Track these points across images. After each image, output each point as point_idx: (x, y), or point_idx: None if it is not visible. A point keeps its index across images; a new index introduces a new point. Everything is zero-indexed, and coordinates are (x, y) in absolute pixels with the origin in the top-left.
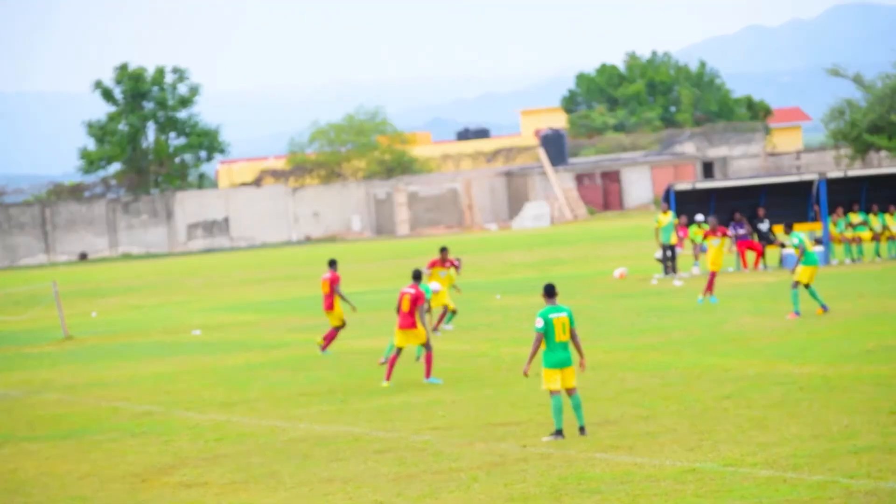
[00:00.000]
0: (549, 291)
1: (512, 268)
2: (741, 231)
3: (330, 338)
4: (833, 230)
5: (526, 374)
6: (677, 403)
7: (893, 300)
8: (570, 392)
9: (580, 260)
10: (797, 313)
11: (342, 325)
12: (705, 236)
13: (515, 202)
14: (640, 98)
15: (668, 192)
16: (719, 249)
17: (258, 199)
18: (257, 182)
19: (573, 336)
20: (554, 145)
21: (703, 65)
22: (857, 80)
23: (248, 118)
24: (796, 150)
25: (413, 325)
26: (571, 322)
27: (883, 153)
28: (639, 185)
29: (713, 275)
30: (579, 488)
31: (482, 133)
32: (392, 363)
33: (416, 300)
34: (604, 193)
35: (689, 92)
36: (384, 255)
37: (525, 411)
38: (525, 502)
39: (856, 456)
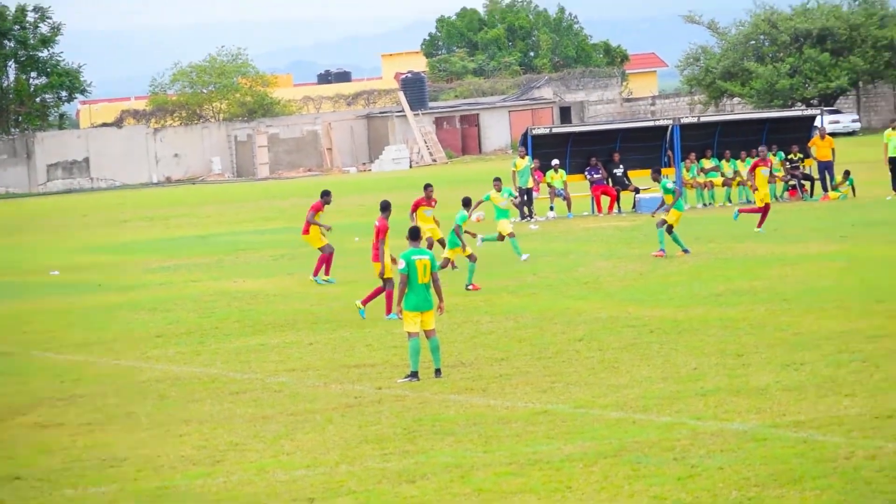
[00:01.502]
0: (414, 234)
1: (371, 210)
2: (596, 175)
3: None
4: (686, 175)
5: (399, 315)
6: (531, 346)
7: (743, 244)
8: (428, 334)
9: (438, 203)
10: (663, 251)
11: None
12: (754, 166)
13: (375, 145)
14: (499, 43)
15: (525, 137)
16: (765, 181)
17: (119, 140)
18: (118, 123)
19: (434, 279)
20: (414, 89)
21: (561, 10)
22: (712, 27)
23: (110, 58)
24: (652, 96)
25: (375, 258)
26: (433, 266)
27: (736, 99)
28: (497, 130)
29: (767, 207)
30: (433, 429)
31: (343, 76)
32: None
33: (379, 232)
34: (462, 137)
35: (547, 37)
36: (245, 197)
37: (381, 353)
38: (379, 443)
39: (703, 398)
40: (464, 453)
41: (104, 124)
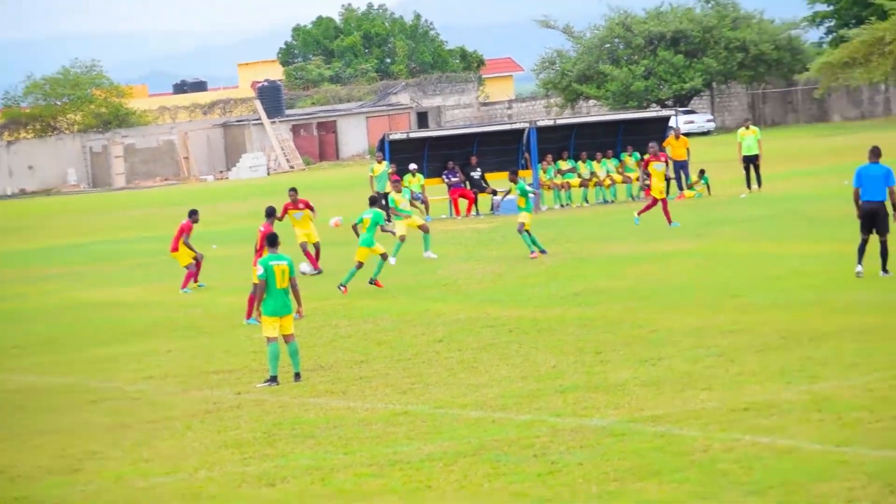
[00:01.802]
0: (272, 241)
1: (228, 218)
2: (454, 179)
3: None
4: (543, 177)
5: (258, 320)
6: (390, 348)
7: (600, 244)
8: (287, 339)
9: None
10: (541, 251)
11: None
12: (647, 162)
13: (232, 154)
14: (355, 50)
15: (382, 142)
16: (662, 176)
17: None
18: None
19: (293, 285)
20: (270, 97)
21: (417, 17)
22: (567, 30)
23: None
24: (508, 100)
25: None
26: (291, 271)
27: (591, 102)
28: (354, 136)
29: (665, 202)
30: (293, 433)
31: (199, 86)
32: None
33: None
34: (320, 144)
35: (403, 44)
36: (101, 208)
37: (239, 359)
38: (239, 448)
39: (562, 395)
40: (324, 456)
41: None
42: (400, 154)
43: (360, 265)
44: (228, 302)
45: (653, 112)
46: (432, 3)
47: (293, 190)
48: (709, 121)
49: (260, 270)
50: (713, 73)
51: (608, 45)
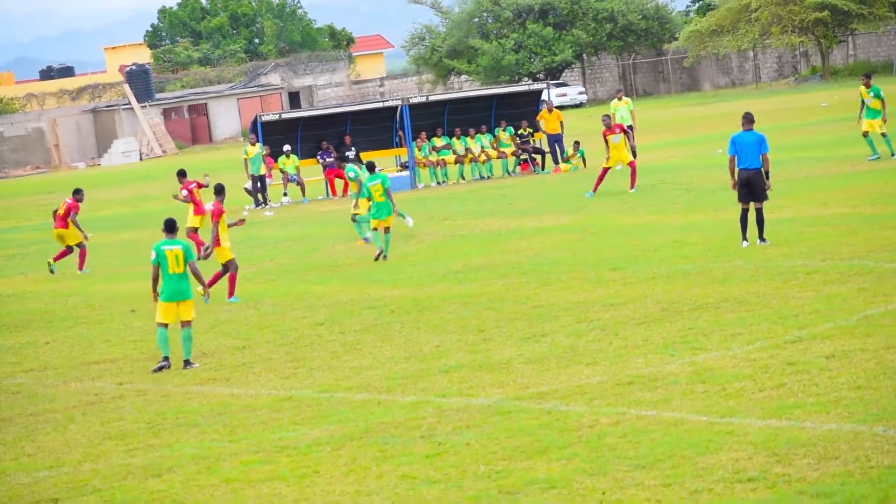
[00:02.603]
0: (169, 227)
1: (102, 205)
2: (329, 159)
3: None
4: (418, 154)
5: (155, 300)
6: (272, 333)
7: (478, 220)
8: (183, 325)
9: (170, 194)
10: (367, 240)
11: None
12: (604, 135)
13: (104, 140)
14: (223, 31)
15: (255, 124)
16: (619, 146)
17: None
18: None
19: (192, 269)
20: (139, 81)
21: None
22: (436, 6)
23: None
24: (380, 77)
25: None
26: (187, 255)
27: (463, 77)
28: (226, 118)
29: (605, 171)
30: (177, 422)
31: (67, 71)
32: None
33: (214, 216)
34: (192, 127)
35: (272, 23)
36: None
37: (120, 348)
38: (123, 439)
39: (447, 374)
40: (209, 444)
41: None
42: (273, 135)
43: (387, 230)
44: (106, 290)
45: (525, 86)
46: None
47: (181, 172)
48: (581, 93)
49: (152, 256)
50: (583, 44)
51: (477, 20)
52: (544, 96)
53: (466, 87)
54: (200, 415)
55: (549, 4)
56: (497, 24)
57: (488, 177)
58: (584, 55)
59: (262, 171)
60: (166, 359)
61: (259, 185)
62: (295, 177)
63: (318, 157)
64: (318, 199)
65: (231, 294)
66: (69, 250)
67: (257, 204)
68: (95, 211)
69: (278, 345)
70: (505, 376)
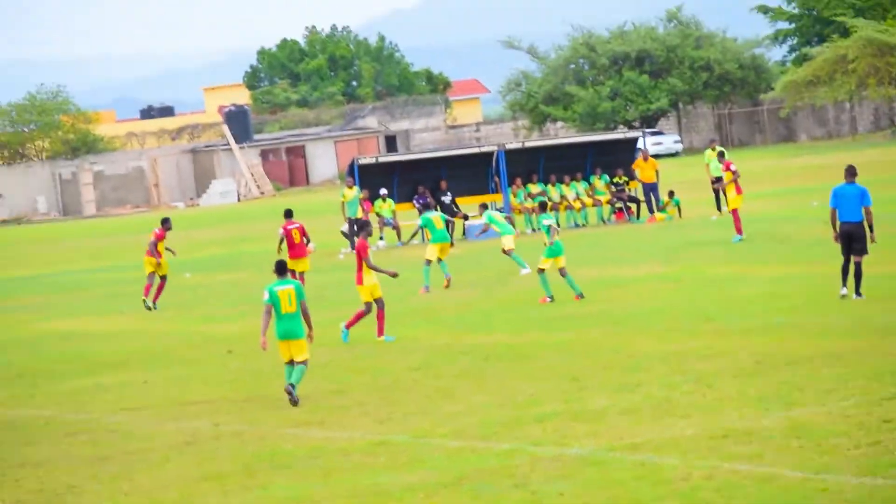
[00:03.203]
0: (280, 268)
1: (200, 245)
2: (424, 204)
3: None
4: (513, 200)
5: (263, 348)
6: (367, 376)
7: (572, 269)
8: (295, 363)
9: (268, 236)
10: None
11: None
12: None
13: (202, 179)
14: (321, 73)
15: (352, 167)
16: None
17: None
18: None
19: (303, 309)
20: (238, 122)
21: (382, 39)
22: (532, 52)
23: None
24: (476, 122)
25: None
26: (299, 295)
27: (559, 123)
28: (323, 160)
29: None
30: (272, 464)
31: (167, 111)
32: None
33: (359, 252)
34: (289, 169)
35: (369, 66)
36: (72, 236)
37: (216, 389)
38: (218, 480)
39: (540, 423)
40: (304, 487)
41: None
42: (370, 178)
43: (440, 260)
44: (203, 330)
45: (620, 133)
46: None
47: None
48: (676, 141)
49: (265, 296)
50: (679, 93)
51: (573, 66)
52: (640, 144)
53: (562, 134)
54: (295, 457)
55: (646, 52)
56: (593, 70)
57: (583, 224)
58: (680, 104)
59: (359, 214)
60: (291, 385)
61: (356, 228)
62: (391, 220)
63: (414, 202)
64: (413, 244)
65: (381, 332)
66: (162, 282)
67: (353, 247)
68: (193, 251)
69: (373, 389)
70: (599, 426)
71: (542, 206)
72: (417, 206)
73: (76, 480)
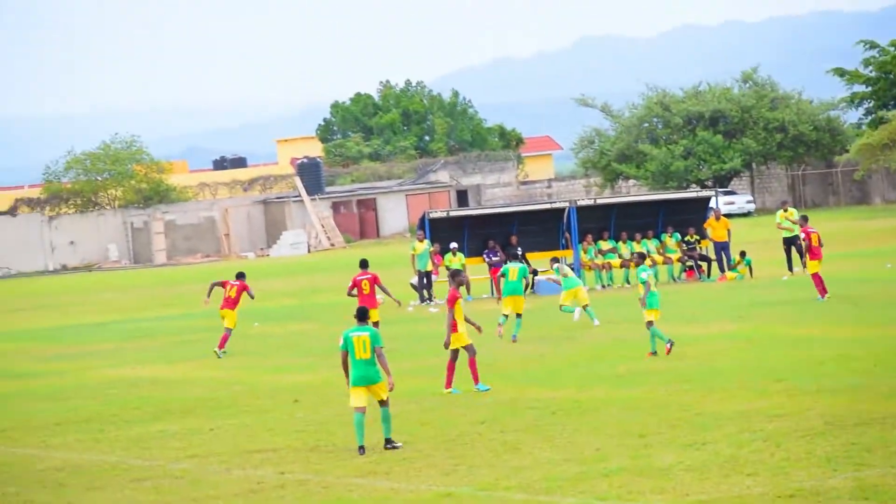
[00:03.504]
0: (360, 315)
1: (270, 296)
2: (495, 258)
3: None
4: (584, 257)
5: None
6: (433, 429)
7: (641, 325)
8: (381, 404)
9: (338, 287)
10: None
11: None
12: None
13: (273, 230)
14: (394, 127)
15: (423, 220)
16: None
17: (13, 228)
18: (12, 211)
19: (378, 355)
20: (310, 174)
21: (455, 94)
22: (605, 109)
23: (2, 146)
24: (548, 179)
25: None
26: (374, 341)
27: (631, 181)
28: (394, 214)
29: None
30: None
31: (239, 162)
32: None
33: (450, 302)
34: (360, 221)
35: (442, 121)
36: (142, 284)
37: (283, 438)
38: None
39: (606, 478)
40: None
41: None
42: (440, 232)
43: (518, 315)
44: (270, 380)
45: (693, 192)
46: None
47: (364, 262)
48: (749, 202)
49: (340, 342)
50: (752, 153)
51: (647, 125)
52: (712, 203)
53: (634, 192)
54: None
55: (720, 112)
56: (667, 129)
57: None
58: (754, 164)
59: (429, 267)
60: (361, 448)
61: (425, 281)
62: None
63: (485, 256)
64: (482, 298)
65: (476, 380)
66: (227, 332)
67: (422, 300)
68: (264, 301)
69: (439, 441)
70: (665, 483)
71: (641, 258)
72: (487, 260)
73: None
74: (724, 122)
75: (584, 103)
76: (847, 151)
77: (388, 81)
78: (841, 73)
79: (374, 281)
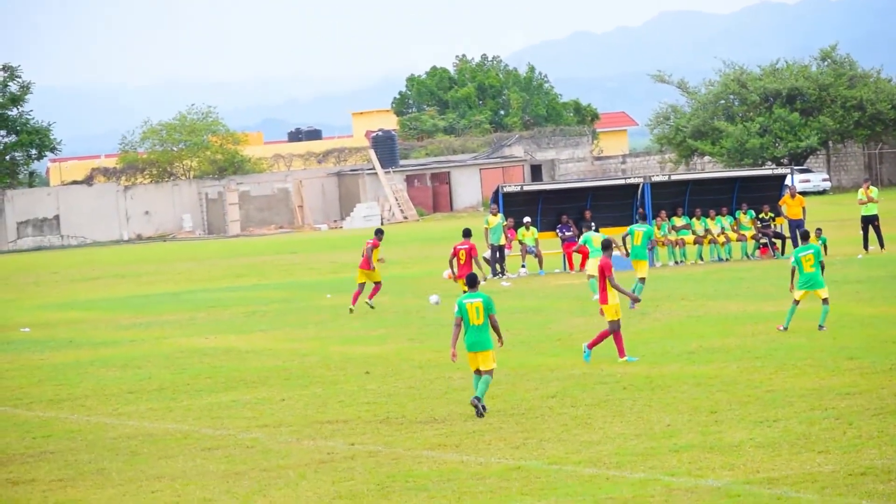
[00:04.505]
0: (471, 281)
1: (342, 267)
2: (568, 233)
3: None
4: (657, 233)
5: (453, 359)
6: (503, 402)
7: (714, 302)
8: (484, 373)
9: (410, 260)
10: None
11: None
12: None
13: (346, 203)
14: (469, 101)
15: (496, 194)
16: None
17: (89, 198)
18: (88, 180)
19: (492, 321)
20: (385, 147)
21: (531, 69)
22: (682, 86)
23: (80, 116)
24: (622, 154)
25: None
26: (487, 308)
27: (706, 158)
28: (468, 187)
29: None
30: (406, 486)
31: (314, 134)
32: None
33: (603, 271)
34: (434, 195)
35: (518, 96)
36: (216, 254)
37: (353, 409)
38: (352, 500)
39: (676, 454)
40: None
41: (74, 182)
42: (514, 207)
43: (641, 280)
44: (342, 351)
45: (768, 170)
46: (546, 55)
47: (467, 231)
48: (825, 180)
49: (455, 309)
50: (829, 131)
51: (723, 102)
52: (788, 181)
53: (709, 169)
54: (430, 479)
55: (797, 90)
56: (743, 107)
57: (727, 259)
58: (830, 142)
59: (503, 241)
60: (477, 398)
61: (498, 255)
62: (533, 248)
63: (558, 231)
64: (554, 273)
65: (622, 353)
66: (377, 286)
67: (494, 273)
68: (337, 273)
69: (509, 414)
70: (735, 459)
71: (805, 237)
72: (560, 235)
73: (211, 495)
74: (801, 100)
75: (661, 79)
76: None
77: (464, 55)
78: None
79: (471, 251)
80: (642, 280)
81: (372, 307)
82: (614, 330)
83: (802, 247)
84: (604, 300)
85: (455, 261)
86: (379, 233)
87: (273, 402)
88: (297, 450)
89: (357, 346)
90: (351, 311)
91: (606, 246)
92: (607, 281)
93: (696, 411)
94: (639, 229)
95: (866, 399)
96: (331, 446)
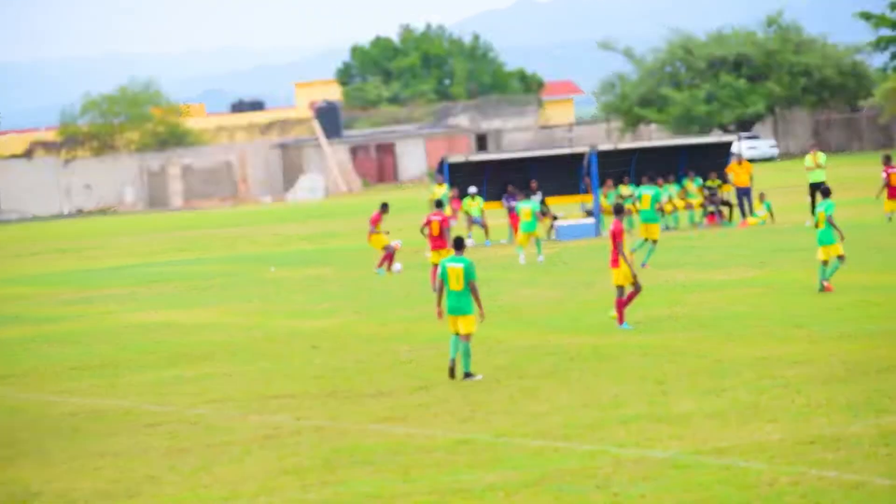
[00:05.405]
0: (457, 244)
1: (286, 240)
2: (513, 203)
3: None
4: (604, 202)
5: (439, 318)
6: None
7: (662, 271)
8: (462, 338)
9: (355, 232)
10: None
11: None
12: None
13: (290, 175)
14: (414, 71)
15: (442, 165)
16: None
17: (28, 172)
18: (28, 154)
19: (472, 287)
20: (328, 118)
21: (476, 38)
22: (628, 53)
23: (18, 90)
24: (569, 123)
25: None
26: (467, 274)
27: (653, 126)
28: (413, 158)
29: None
30: (353, 460)
31: (257, 105)
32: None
33: (615, 236)
34: (378, 166)
35: (463, 65)
36: (158, 228)
37: (299, 383)
38: (298, 475)
39: (624, 425)
40: (384, 483)
41: (13, 156)
42: (459, 177)
43: (653, 242)
44: (288, 325)
45: (715, 137)
46: (491, 24)
47: (385, 205)
48: (772, 146)
49: (438, 271)
50: (776, 98)
51: (669, 69)
52: (734, 148)
53: (655, 137)
54: (376, 453)
55: (744, 56)
56: (689, 73)
57: (674, 227)
58: (777, 108)
59: (448, 212)
60: (453, 360)
61: (614, 210)
62: (479, 219)
63: (504, 201)
64: (501, 243)
65: (621, 320)
66: (387, 252)
67: None
68: (281, 245)
69: (456, 387)
70: (683, 429)
71: (826, 193)
72: (506, 205)
73: (155, 471)
74: (747, 66)
75: (606, 47)
76: (872, 96)
77: (408, 25)
78: (867, 16)
79: (444, 223)
80: (654, 242)
81: (382, 275)
82: (620, 296)
83: (819, 203)
84: (615, 263)
85: (427, 230)
86: (384, 206)
87: (218, 378)
88: (243, 425)
89: (303, 320)
90: (390, 272)
91: (619, 210)
92: (617, 247)
93: (643, 381)
94: (646, 192)
95: (815, 367)
96: (277, 421)
